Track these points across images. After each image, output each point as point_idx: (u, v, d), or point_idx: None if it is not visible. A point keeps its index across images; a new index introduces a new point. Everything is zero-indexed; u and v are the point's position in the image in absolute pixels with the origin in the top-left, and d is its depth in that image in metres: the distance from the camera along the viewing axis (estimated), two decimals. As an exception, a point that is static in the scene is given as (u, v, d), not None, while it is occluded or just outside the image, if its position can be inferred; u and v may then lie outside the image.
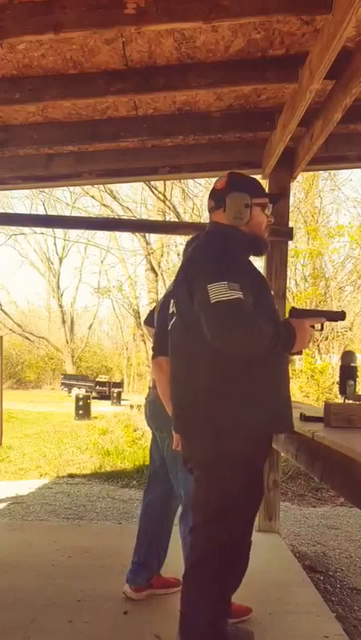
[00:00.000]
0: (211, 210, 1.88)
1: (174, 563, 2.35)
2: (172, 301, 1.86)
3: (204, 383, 1.67)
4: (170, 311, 1.86)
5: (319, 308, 2.10)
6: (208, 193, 1.90)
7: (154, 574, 2.45)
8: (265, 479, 3.29)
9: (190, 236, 2.57)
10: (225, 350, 1.60)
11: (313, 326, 1.79)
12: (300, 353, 1.79)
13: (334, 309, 2.02)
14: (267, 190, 3.66)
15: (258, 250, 1.88)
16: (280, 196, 2.02)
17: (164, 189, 14.61)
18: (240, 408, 1.66)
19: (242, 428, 1.67)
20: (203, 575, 1.73)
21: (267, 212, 1.86)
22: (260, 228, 1.84)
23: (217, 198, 1.84)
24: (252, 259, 1.89)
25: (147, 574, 2.42)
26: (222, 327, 1.55)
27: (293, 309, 1.84)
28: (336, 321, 1.92)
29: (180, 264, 1.89)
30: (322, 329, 1.85)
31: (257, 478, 1.77)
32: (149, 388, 2.49)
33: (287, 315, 1.84)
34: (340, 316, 1.91)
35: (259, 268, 1.88)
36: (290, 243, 3.56)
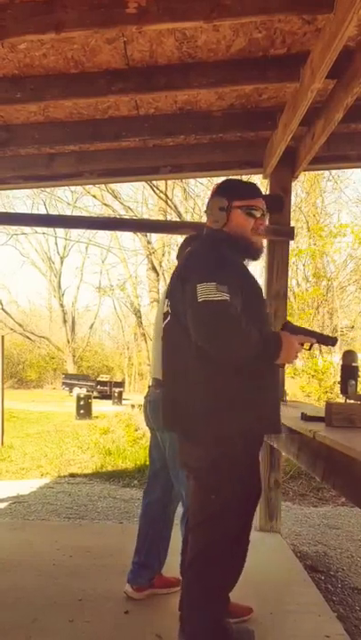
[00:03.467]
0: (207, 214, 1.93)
1: (175, 562, 2.34)
2: (166, 301, 1.87)
3: (201, 385, 1.68)
4: (164, 310, 1.87)
5: (312, 329, 2.15)
6: (210, 193, 1.94)
7: (155, 574, 2.44)
8: (266, 479, 3.29)
9: (184, 237, 2.58)
10: (207, 350, 1.62)
11: (302, 344, 1.82)
12: (282, 366, 1.82)
13: (327, 334, 2.05)
14: (267, 191, 3.67)
15: (249, 254, 1.87)
16: (276, 199, 1.99)
17: (166, 189, 14.60)
18: (233, 411, 1.67)
19: (234, 431, 1.69)
20: (199, 575, 1.74)
21: (256, 214, 1.84)
22: (242, 231, 1.83)
23: (209, 203, 1.89)
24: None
25: (148, 574, 2.42)
26: (205, 326, 1.58)
27: (287, 323, 1.87)
28: (326, 345, 1.94)
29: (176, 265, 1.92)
30: (310, 349, 1.87)
31: (251, 478, 1.78)
32: (149, 386, 2.48)
33: (280, 327, 1.87)
34: (331, 341, 1.93)
35: (261, 269, 1.91)
36: (291, 242, 3.55)
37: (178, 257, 2.46)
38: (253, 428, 1.73)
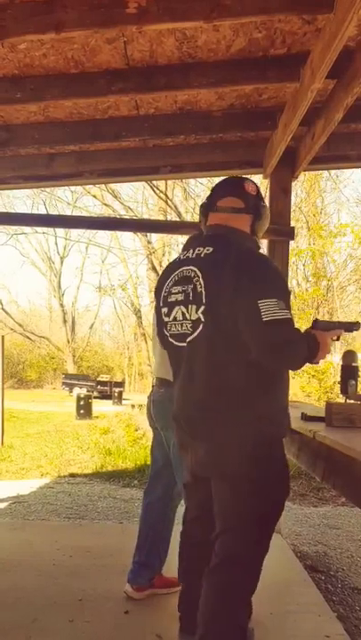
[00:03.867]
0: (231, 210, 1.76)
1: (176, 562, 2.34)
2: (192, 307, 1.68)
3: (240, 392, 1.64)
4: (194, 317, 1.67)
5: (339, 320, 2.19)
6: (225, 188, 1.83)
7: (155, 574, 2.44)
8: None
9: (185, 237, 2.56)
10: (269, 366, 1.63)
11: (332, 338, 1.82)
12: (317, 363, 1.84)
13: (349, 321, 2.09)
14: (267, 191, 3.68)
15: None
16: None
17: (166, 189, 14.62)
18: (272, 414, 1.68)
19: (273, 435, 1.69)
20: (230, 580, 1.67)
21: None
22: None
23: (250, 202, 1.76)
24: None
25: (148, 574, 2.42)
26: (274, 347, 1.57)
27: (317, 321, 1.86)
28: (352, 331, 1.96)
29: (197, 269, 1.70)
30: (338, 339, 1.88)
31: (288, 479, 1.77)
32: (153, 386, 2.48)
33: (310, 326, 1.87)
34: (355, 326, 1.95)
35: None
36: (291, 242, 3.55)
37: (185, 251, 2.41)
38: (282, 430, 1.74)
